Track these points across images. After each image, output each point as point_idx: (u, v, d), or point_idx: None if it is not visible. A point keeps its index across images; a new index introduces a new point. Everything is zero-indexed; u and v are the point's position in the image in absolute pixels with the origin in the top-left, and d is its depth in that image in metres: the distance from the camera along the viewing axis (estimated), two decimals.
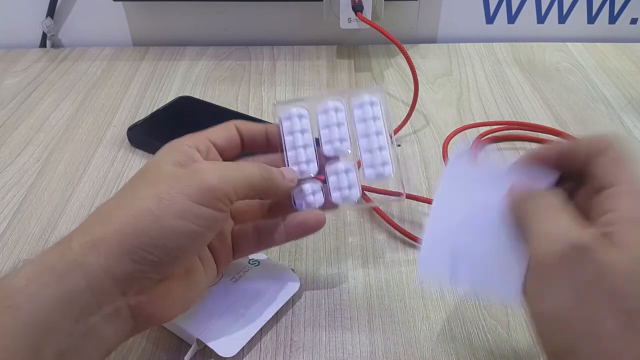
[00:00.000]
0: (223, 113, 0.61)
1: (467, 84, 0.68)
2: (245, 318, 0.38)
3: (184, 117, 0.60)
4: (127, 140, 0.58)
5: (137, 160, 0.55)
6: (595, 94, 0.67)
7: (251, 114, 0.61)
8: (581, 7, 0.78)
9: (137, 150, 0.57)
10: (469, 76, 0.70)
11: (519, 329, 0.39)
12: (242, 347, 0.37)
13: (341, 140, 0.37)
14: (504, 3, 0.78)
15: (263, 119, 0.60)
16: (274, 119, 0.38)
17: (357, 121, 0.38)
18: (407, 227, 0.46)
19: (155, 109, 0.62)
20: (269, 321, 0.38)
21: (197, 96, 0.64)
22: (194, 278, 0.33)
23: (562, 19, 0.79)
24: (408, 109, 0.59)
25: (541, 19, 0.79)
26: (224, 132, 0.36)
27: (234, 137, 0.36)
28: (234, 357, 0.36)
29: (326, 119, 0.37)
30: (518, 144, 0.58)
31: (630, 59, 0.74)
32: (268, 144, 0.37)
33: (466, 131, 0.58)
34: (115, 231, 0.28)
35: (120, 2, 0.75)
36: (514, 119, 0.61)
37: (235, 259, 0.37)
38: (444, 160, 0.53)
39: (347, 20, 0.67)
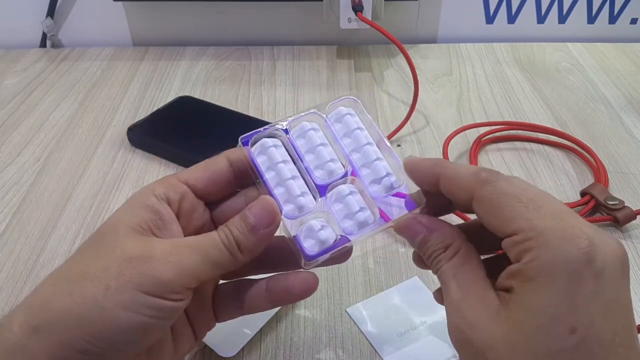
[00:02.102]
0: (223, 113, 0.61)
1: (467, 84, 0.68)
2: (245, 318, 0.38)
3: (184, 117, 0.60)
4: (127, 140, 0.58)
5: (137, 160, 0.55)
6: (595, 94, 0.67)
7: (251, 113, 0.61)
8: (581, 7, 0.78)
9: (137, 150, 0.57)
10: (469, 76, 0.70)
11: None
12: (242, 347, 0.37)
13: (332, 161, 0.31)
14: (504, 3, 0.78)
15: (263, 119, 0.60)
16: (247, 155, 0.31)
17: (341, 137, 0.32)
18: None
19: (155, 109, 0.62)
20: (268, 321, 0.38)
21: (197, 96, 0.64)
22: (157, 357, 0.29)
23: (562, 19, 0.79)
24: (408, 109, 0.59)
25: (541, 19, 0.79)
26: (206, 171, 0.31)
27: (221, 173, 0.31)
28: (234, 357, 0.36)
29: (307, 142, 0.31)
30: (518, 144, 0.58)
31: (630, 59, 0.74)
32: None
33: (466, 131, 0.58)
34: (58, 317, 0.25)
35: (120, 2, 0.75)
36: (514, 119, 0.61)
37: (220, 322, 0.33)
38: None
39: (347, 20, 0.67)
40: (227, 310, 0.32)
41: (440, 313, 0.40)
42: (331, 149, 0.31)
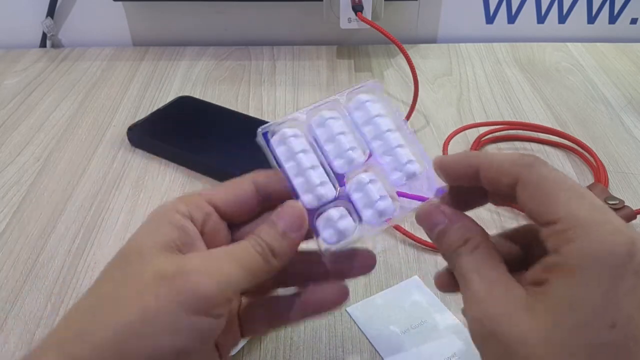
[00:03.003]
0: (223, 113, 0.61)
1: (467, 84, 0.68)
2: None
3: (184, 117, 0.60)
4: (127, 140, 0.58)
5: (137, 160, 0.55)
6: (595, 94, 0.67)
7: (251, 113, 0.61)
8: (581, 7, 0.78)
9: (137, 150, 0.57)
10: (469, 76, 0.70)
11: None
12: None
13: (351, 149, 0.30)
14: (504, 3, 0.78)
15: (263, 119, 0.60)
16: (264, 149, 0.30)
17: (361, 124, 0.31)
18: (407, 227, 0.46)
19: (155, 109, 0.62)
20: None
21: (197, 96, 0.64)
22: None
23: (562, 19, 0.79)
24: (408, 109, 0.59)
25: (541, 19, 0.79)
26: (231, 192, 0.30)
27: (246, 196, 0.30)
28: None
29: (326, 131, 0.31)
30: (518, 144, 0.58)
31: (630, 59, 0.74)
32: None
33: (466, 131, 0.58)
34: (94, 350, 0.24)
35: (120, 2, 0.75)
36: (514, 119, 0.61)
37: (245, 337, 0.32)
38: None
39: (347, 20, 0.67)
40: (255, 327, 0.31)
41: (440, 312, 0.40)
42: (351, 137, 0.31)
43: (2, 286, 0.42)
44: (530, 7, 0.78)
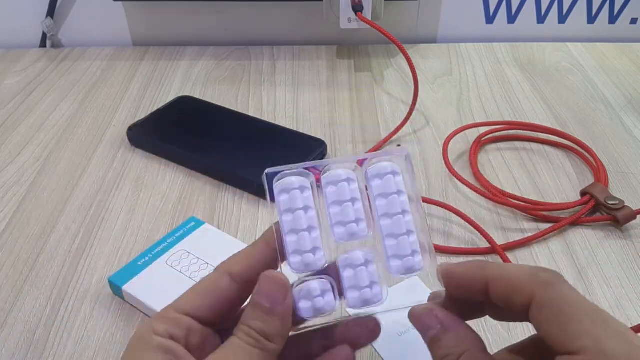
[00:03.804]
0: (223, 113, 0.61)
1: (467, 84, 0.68)
2: None
3: (184, 117, 0.60)
4: (127, 140, 0.58)
5: (137, 160, 0.55)
6: (595, 94, 0.67)
7: (251, 113, 0.61)
8: (581, 7, 0.78)
9: (137, 150, 0.57)
10: (469, 76, 0.70)
11: (519, 328, 0.39)
12: None
13: (357, 221, 0.28)
14: (504, 3, 0.78)
15: (263, 119, 0.60)
16: (266, 191, 0.28)
17: (377, 196, 0.29)
18: None
19: (155, 109, 0.62)
20: None
21: (197, 96, 0.64)
22: None
23: (562, 19, 0.79)
24: (408, 109, 0.59)
25: (541, 19, 0.79)
26: (206, 296, 0.27)
27: (225, 295, 0.27)
28: None
29: (337, 192, 0.28)
30: (518, 144, 0.58)
31: (630, 59, 0.74)
32: (282, 258, 0.28)
33: (466, 131, 0.58)
34: None
35: (120, 2, 0.75)
36: (514, 119, 0.61)
37: None
38: (444, 160, 0.53)
39: (347, 20, 0.67)
40: None
41: None
42: (360, 206, 0.28)
43: (2, 286, 0.42)
44: (530, 7, 0.78)
